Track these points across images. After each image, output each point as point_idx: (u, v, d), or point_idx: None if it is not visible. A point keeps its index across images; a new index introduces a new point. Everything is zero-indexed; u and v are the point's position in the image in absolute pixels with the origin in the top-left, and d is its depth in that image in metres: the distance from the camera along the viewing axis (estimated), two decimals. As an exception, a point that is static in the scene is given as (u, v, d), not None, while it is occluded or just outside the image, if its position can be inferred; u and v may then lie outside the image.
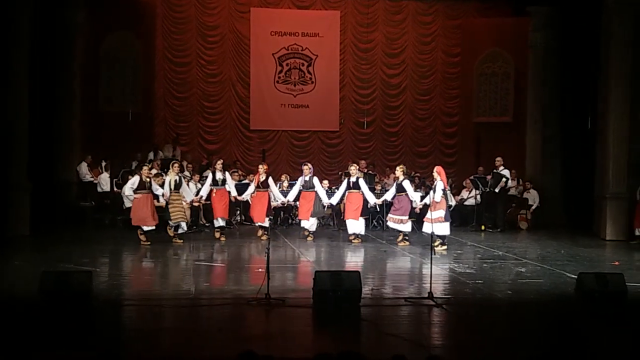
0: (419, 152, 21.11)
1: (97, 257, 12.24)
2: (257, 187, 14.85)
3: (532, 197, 17.80)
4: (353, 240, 14.45)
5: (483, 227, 17.00)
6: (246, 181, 16.69)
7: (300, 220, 15.17)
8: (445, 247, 13.75)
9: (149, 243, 13.40)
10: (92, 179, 17.08)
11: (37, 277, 8.64)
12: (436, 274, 10.45)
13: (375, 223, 17.02)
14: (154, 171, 14.38)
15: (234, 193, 14.91)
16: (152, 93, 19.83)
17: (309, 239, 14.75)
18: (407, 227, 14.53)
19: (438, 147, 21.21)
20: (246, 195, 15.17)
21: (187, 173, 15.85)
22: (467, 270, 11.56)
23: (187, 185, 15.03)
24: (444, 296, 9.47)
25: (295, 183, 15.38)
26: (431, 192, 12.99)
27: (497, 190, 16.84)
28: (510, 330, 8.40)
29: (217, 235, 14.61)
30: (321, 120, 20.75)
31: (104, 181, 16.51)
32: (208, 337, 7.66)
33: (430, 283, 9.37)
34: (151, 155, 17.93)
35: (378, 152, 21.03)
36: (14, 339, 7.26)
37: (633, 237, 14.87)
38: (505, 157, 17.24)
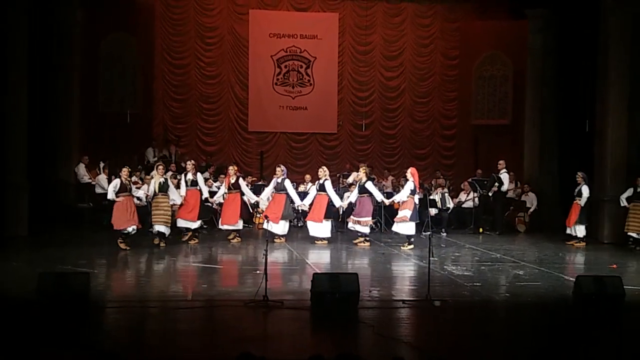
0: (417, 155, 21.11)
1: (95, 259, 12.23)
2: (229, 189, 14.67)
3: (530, 200, 17.80)
4: (276, 240, 14.47)
5: (481, 230, 17.01)
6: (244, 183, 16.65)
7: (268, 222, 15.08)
8: (411, 246, 13.96)
9: (128, 249, 13.14)
10: (89, 180, 17.06)
11: (35, 278, 8.62)
12: (434, 277, 10.45)
13: (374, 225, 17.00)
14: (167, 173, 14.28)
15: (205, 194, 14.72)
16: (150, 94, 19.83)
17: (277, 240, 14.52)
18: (366, 229, 14.61)
19: (436, 149, 21.22)
20: (217, 198, 14.98)
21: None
22: (465, 273, 11.56)
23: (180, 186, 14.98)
24: (442, 298, 9.46)
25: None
26: (402, 192, 13.26)
27: (490, 193, 16.85)
28: (508, 332, 8.41)
29: (185, 238, 14.36)
30: (319, 122, 20.76)
31: (102, 182, 16.47)
32: (205, 339, 7.66)
33: (428, 285, 9.37)
34: (150, 156, 17.93)
35: (376, 154, 21.03)
36: (12, 339, 7.25)
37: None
38: (504, 159, 17.24)
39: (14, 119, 14.74)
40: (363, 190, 14.63)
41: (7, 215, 14.32)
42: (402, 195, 14.28)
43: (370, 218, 14.72)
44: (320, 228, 14.65)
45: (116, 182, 13.37)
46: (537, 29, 19.05)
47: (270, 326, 8.35)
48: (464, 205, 17.91)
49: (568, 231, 15.20)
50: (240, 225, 14.76)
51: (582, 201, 14.98)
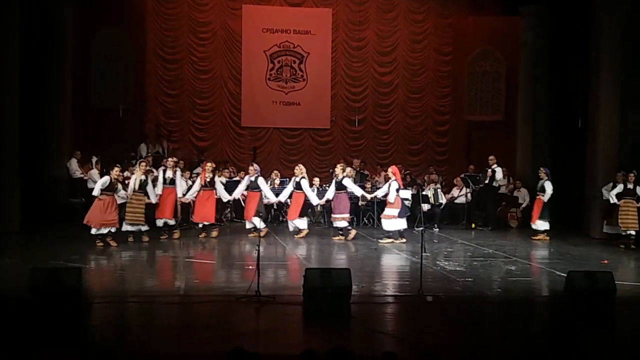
0: (410, 150, 21.12)
1: (87, 254, 12.20)
2: (204, 186, 14.60)
3: (522, 196, 17.83)
4: (250, 235, 14.58)
5: (473, 225, 17.04)
6: (237, 178, 16.65)
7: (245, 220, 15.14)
8: (403, 240, 14.25)
9: (102, 245, 12.95)
10: (82, 176, 17.00)
11: (27, 273, 8.60)
12: (426, 272, 10.47)
13: (366, 220, 17.03)
14: (143, 168, 14.22)
15: (179, 194, 14.52)
16: (143, 90, 19.77)
17: (251, 235, 14.56)
18: (343, 223, 14.71)
19: (429, 145, 21.23)
20: (190, 195, 14.78)
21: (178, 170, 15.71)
22: (458, 268, 11.59)
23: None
24: (434, 294, 9.48)
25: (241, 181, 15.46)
26: (386, 190, 14.07)
27: (486, 181, 16.84)
28: (500, 328, 8.44)
29: (163, 236, 14.19)
30: (312, 117, 20.73)
31: (94, 177, 16.42)
32: (198, 334, 7.66)
33: (421, 281, 9.39)
34: (143, 151, 17.86)
35: (369, 150, 21.02)
36: (4, 336, 7.23)
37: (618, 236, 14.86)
38: (496, 155, 17.27)
39: (5, 115, 14.67)
40: (340, 186, 14.72)
41: (-1, 210, 14.28)
42: (390, 196, 14.46)
43: (348, 214, 14.83)
44: (297, 223, 14.84)
45: (105, 180, 13.17)
46: (530, 26, 19.07)
47: (263, 321, 8.36)
48: (456, 201, 17.93)
49: (534, 227, 15.32)
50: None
51: (545, 197, 15.11)
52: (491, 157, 17.02)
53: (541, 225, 15.24)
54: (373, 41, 20.89)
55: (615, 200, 14.61)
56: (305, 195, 15.05)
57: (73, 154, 17.27)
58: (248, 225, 14.87)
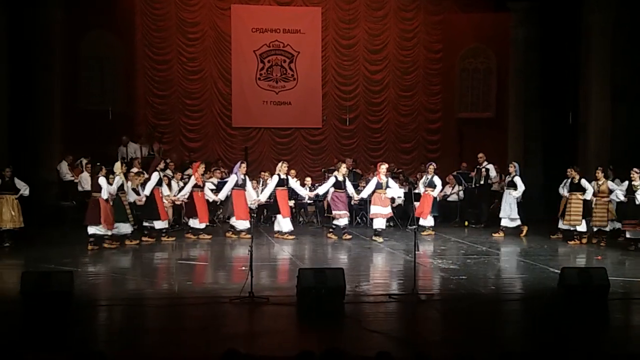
0: (402, 148, 21.12)
1: (78, 257, 12.12)
2: (197, 186, 14.67)
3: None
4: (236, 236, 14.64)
5: (466, 223, 17.06)
6: (227, 179, 16.57)
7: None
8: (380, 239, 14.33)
9: (97, 248, 12.93)
10: (72, 178, 16.90)
11: (18, 277, 8.53)
12: (420, 270, 10.45)
13: (359, 220, 17.00)
14: (134, 170, 14.22)
15: (166, 193, 14.63)
16: (132, 91, 19.68)
17: (242, 236, 14.58)
18: (344, 221, 14.78)
19: (421, 143, 21.23)
20: (181, 196, 14.81)
21: (169, 172, 15.68)
22: (451, 266, 11.57)
23: (169, 184, 14.95)
24: (428, 292, 9.45)
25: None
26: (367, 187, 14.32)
27: (482, 182, 16.85)
28: (494, 325, 8.41)
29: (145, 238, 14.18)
30: (304, 117, 20.69)
31: (85, 180, 16.32)
32: (191, 336, 7.60)
33: (414, 279, 9.36)
34: (137, 153, 17.77)
35: (361, 148, 21.01)
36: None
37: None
38: (488, 152, 17.29)
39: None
40: (342, 185, 14.74)
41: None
42: (367, 191, 14.66)
43: (346, 211, 14.87)
44: (283, 223, 14.67)
45: (119, 180, 13.28)
46: (520, 22, 19.08)
47: (257, 322, 8.31)
48: (449, 199, 17.92)
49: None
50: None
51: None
52: (480, 155, 17.02)
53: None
54: (363, 39, 20.87)
55: (564, 195, 14.53)
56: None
57: (64, 156, 17.17)
58: (241, 226, 14.73)
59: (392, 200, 15.33)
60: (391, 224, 16.01)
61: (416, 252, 9.65)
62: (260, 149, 20.51)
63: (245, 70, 20.32)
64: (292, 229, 14.76)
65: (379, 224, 14.47)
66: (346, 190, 14.84)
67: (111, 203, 13.20)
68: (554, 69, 18.28)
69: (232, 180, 14.74)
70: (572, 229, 14.29)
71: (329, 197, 15.69)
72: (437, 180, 15.46)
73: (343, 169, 15.01)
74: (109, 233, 13.12)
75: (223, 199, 15.23)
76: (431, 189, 15.41)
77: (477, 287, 10.03)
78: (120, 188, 13.51)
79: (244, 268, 10.63)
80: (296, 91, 20.57)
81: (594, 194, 14.04)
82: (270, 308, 8.69)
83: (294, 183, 15.47)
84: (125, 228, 13.63)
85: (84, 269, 11.20)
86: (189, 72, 20.12)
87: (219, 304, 8.83)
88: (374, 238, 14.35)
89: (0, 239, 13.20)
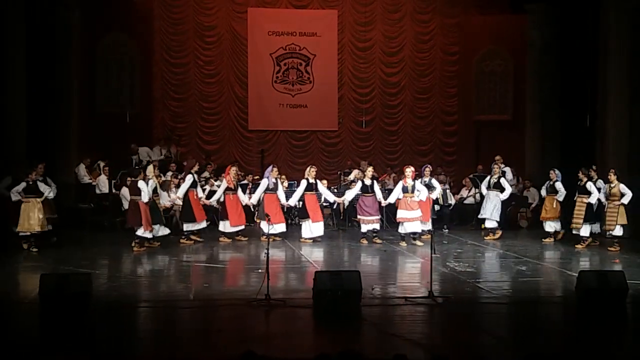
0: (419, 151, 21.06)
1: (96, 259, 12.22)
2: (230, 189, 14.67)
3: (532, 195, 17.74)
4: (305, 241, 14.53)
5: (483, 226, 16.96)
6: (245, 182, 16.63)
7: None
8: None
9: (143, 249, 13.17)
10: (90, 181, 17.01)
11: (37, 279, 8.60)
12: (436, 273, 10.43)
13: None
14: (167, 173, 14.37)
15: (200, 195, 14.74)
16: (149, 94, 19.78)
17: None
18: (376, 226, 14.66)
19: (438, 145, 21.17)
20: (214, 200, 14.91)
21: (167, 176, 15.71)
22: (468, 269, 11.53)
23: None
24: (444, 295, 9.43)
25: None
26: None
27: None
28: (510, 329, 8.38)
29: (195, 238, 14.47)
30: (320, 119, 20.70)
31: (103, 183, 16.45)
32: (209, 338, 7.64)
33: (431, 282, 9.35)
34: (151, 156, 17.86)
35: (378, 151, 20.98)
36: (14, 341, 7.24)
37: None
38: (505, 155, 17.18)
39: (12, 121, 14.71)
40: (369, 189, 14.63)
41: (7, 217, 14.24)
42: (394, 196, 14.54)
43: (376, 215, 14.71)
44: (314, 227, 14.58)
45: (152, 184, 13.45)
46: (537, 24, 18.99)
47: (273, 325, 8.34)
48: (465, 202, 17.87)
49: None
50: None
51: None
52: (497, 157, 16.94)
53: (489, 223, 15.34)
54: (379, 42, 20.85)
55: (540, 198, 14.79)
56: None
57: (81, 159, 17.28)
58: (278, 230, 14.56)
59: (437, 201, 15.25)
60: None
61: (433, 255, 9.64)
62: (277, 152, 20.55)
63: (261, 73, 20.37)
64: (322, 233, 14.69)
65: (412, 227, 14.26)
66: (374, 195, 14.70)
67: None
68: (571, 70, 18.17)
69: (263, 184, 14.78)
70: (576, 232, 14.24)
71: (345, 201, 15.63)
72: (435, 183, 15.22)
73: (369, 172, 14.83)
74: (150, 235, 13.33)
75: (255, 203, 15.20)
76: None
77: (493, 290, 9.99)
78: (154, 191, 13.68)
79: (260, 271, 10.67)
80: (312, 94, 20.59)
81: (606, 197, 13.96)
82: (286, 310, 8.72)
83: (323, 188, 15.30)
84: (162, 230, 13.90)
85: (102, 270, 11.28)
86: (206, 75, 20.19)
87: (235, 306, 8.86)
88: (401, 243, 14.23)
89: (28, 242, 13.21)
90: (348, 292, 8.66)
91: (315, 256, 13.12)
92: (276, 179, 14.86)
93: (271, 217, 14.39)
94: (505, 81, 20.66)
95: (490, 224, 15.34)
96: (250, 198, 15.17)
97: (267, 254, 9.18)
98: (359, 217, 14.99)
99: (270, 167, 15.00)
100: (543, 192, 15.33)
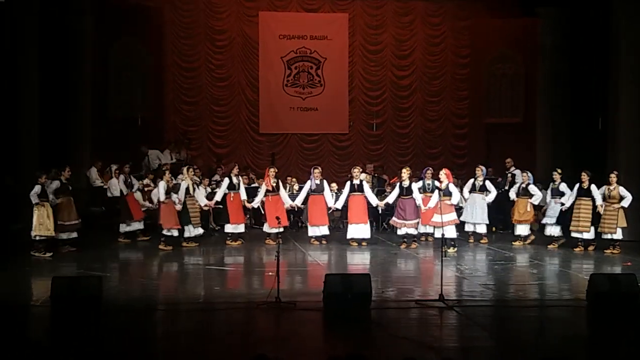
0: (429, 154, 21.03)
1: (108, 263, 12.27)
2: (271, 191, 14.56)
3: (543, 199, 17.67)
4: (352, 243, 14.44)
5: (494, 229, 16.89)
6: (255, 185, 16.64)
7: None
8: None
9: (170, 248, 13.56)
10: (102, 184, 17.07)
11: (49, 282, 8.65)
12: (447, 276, 10.42)
13: (385, 225, 16.94)
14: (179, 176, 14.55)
15: (243, 197, 14.78)
16: (161, 98, 19.84)
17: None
18: (412, 230, 14.45)
19: (449, 148, 21.13)
20: (256, 203, 14.92)
21: (196, 178, 15.75)
22: (478, 272, 11.51)
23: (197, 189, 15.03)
24: (455, 298, 9.41)
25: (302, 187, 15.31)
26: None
27: (506, 187, 16.68)
28: (521, 332, 8.35)
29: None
30: (331, 122, 20.72)
31: (114, 186, 16.49)
32: (219, 341, 7.65)
33: (441, 285, 9.34)
34: (161, 159, 17.90)
35: (389, 154, 20.97)
36: (26, 344, 7.27)
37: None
38: (516, 158, 17.15)
39: (25, 125, 14.79)
40: (407, 191, 14.47)
41: (19, 220, 14.32)
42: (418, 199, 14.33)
43: (417, 220, 14.45)
44: (362, 230, 14.51)
45: (164, 185, 13.85)
46: (548, 27, 18.92)
47: (284, 328, 8.35)
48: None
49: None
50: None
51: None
52: (508, 160, 16.92)
53: (479, 228, 15.15)
54: (390, 45, 20.85)
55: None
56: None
57: (93, 163, 17.36)
58: (319, 232, 14.61)
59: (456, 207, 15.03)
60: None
61: (443, 259, 9.63)
62: (288, 155, 20.58)
63: (272, 76, 20.41)
64: (369, 236, 14.63)
65: (450, 232, 13.75)
66: (413, 197, 14.42)
67: (180, 207, 13.91)
68: (582, 74, 18.10)
69: (307, 185, 14.82)
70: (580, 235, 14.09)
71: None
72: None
73: (405, 174, 14.53)
74: (177, 233, 13.82)
75: (299, 205, 15.16)
76: (430, 194, 15.08)
77: (504, 293, 9.98)
78: (187, 192, 14.09)
79: (270, 274, 10.68)
80: (323, 97, 20.60)
81: (604, 199, 13.87)
82: (297, 313, 8.73)
83: (368, 190, 14.95)
84: (195, 231, 14.23)
85: (113, 274, 11.33)
86: (217, 79, 20.25)
87: (246, 309, 8.88)
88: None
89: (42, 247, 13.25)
90: (358, 295, 8.67)
91: (325, 259, 13.09)
92: (321, 180, 14.79)
93: (313, 219, 14.50)
94: (516, 84, 20.59)
95: (481, 229, 15.16)
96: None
97: (278, 256, 9.14)
98: (393, 219, 14.91)
99: (312, 169, 15.05)
100: (513, 195, 15.14)
